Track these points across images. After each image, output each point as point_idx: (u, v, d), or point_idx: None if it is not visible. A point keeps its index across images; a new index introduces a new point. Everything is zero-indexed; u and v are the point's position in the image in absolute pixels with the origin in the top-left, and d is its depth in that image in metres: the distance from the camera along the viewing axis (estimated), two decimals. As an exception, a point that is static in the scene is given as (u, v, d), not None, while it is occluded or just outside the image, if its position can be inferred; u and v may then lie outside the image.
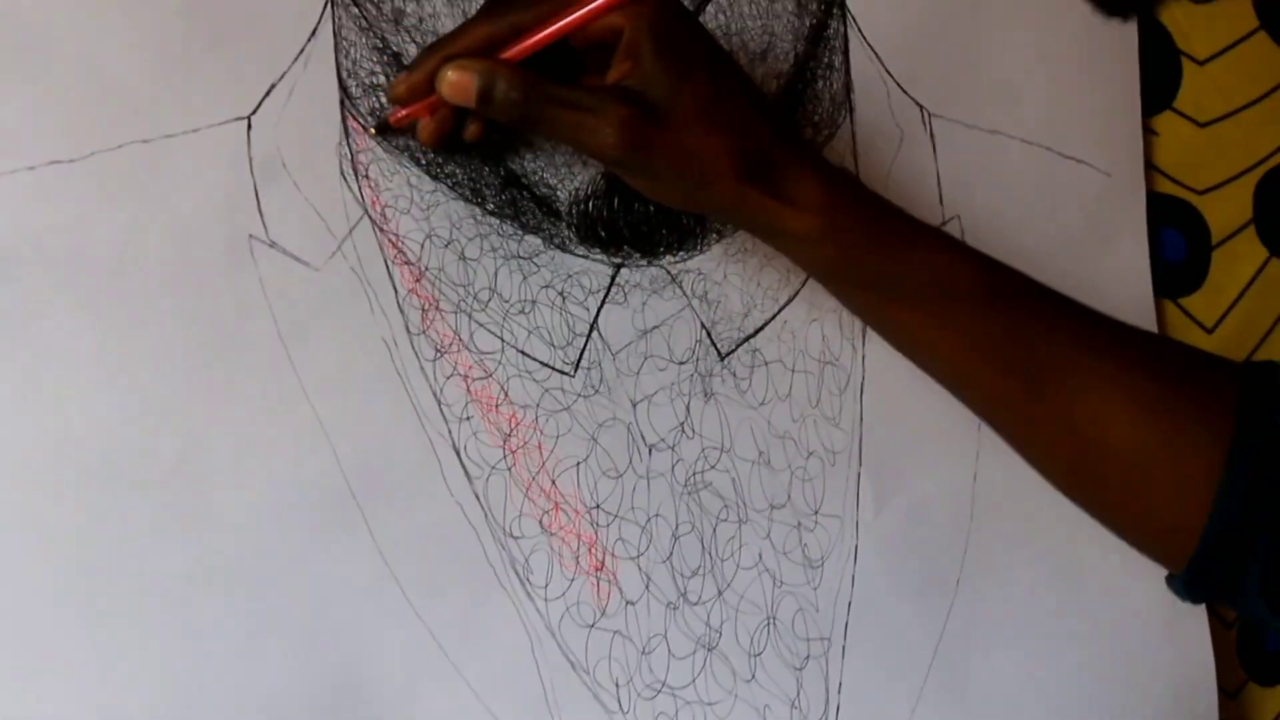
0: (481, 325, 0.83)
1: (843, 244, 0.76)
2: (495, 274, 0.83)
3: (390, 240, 0.81)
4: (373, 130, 0.81)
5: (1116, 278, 0.98)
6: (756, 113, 0.76)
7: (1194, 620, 0.96)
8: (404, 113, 0.79)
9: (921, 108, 0.93)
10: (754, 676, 0.85)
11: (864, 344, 0.91)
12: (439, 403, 0.81)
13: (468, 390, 0.82)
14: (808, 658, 0.86)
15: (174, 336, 0.76)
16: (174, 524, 0.75)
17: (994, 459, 0.91)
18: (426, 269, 0.82)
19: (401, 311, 0.81)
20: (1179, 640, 0.97)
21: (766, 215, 0.76)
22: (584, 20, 0.75)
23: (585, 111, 0.74)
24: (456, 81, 0.76)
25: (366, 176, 0.81)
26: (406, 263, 0.81)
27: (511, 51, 0.76)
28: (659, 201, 0.79)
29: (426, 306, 0.82)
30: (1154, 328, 0.99)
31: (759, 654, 0.85)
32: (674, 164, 0.75)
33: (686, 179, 0.75)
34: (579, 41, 0.77)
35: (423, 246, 0.82)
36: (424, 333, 0.81)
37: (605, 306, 0.85)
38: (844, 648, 0.87)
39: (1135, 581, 0.91)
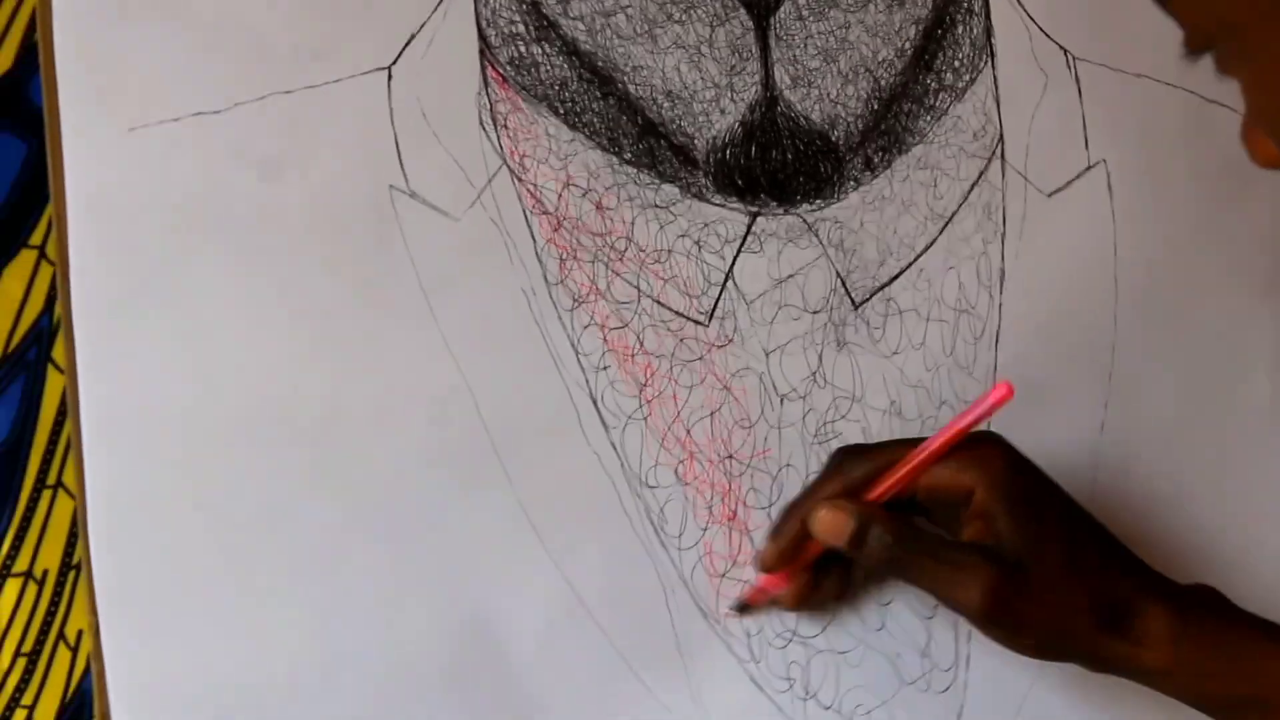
0: (619, 275, 0.83)
1: (1197, 675, 0.77)
2: (632, 223, 0.83)
3: (529, 190, 0.81)
4: (734, 613, 0.83)
5: (1255, 222, 0.96)
6: (1109, 559, 0.78)
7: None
8: (761, 588, 0.81)
9: (1065, 51, 0.91)
10: (884, 625, 0.85)
11: (1001, 292, 0.90)
12: (576, 352, 0.82)
13: (604, 340, 0.82)
14: (937, 607, 0.86)
15: (317, 287, 0.77)
16: (318, 475, 0.77)
17: (1121, 409, 0.90)
18: (564, 218, 0.82)
19: (540, 261, 0.81)
20: None
21: (1119, 658, 0.77)
22: (923, 467, 0.77)
23: (953, 567, 0.75)
24: (831, 522, 0.77)
25: (505, 126, 0.81)
26: (544, 212, 0.82)
27: (870, 497, 0.78)
28: (1013, 650, 0.78)
29: (564, 256, 0.82)
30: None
31: (888, 603, 0.86)
32: (1034, 620, 0.76)
33: (1046, 634, 0.76)
34: (924, 497, 0.78)
35: (560, 196, 0.82)
36: (562, 282, 0.82)
37: (741, 256, 0.85)
38: (974, 598, 0.87)
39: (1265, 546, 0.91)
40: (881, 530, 0.76)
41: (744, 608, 0.82)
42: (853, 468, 0.79)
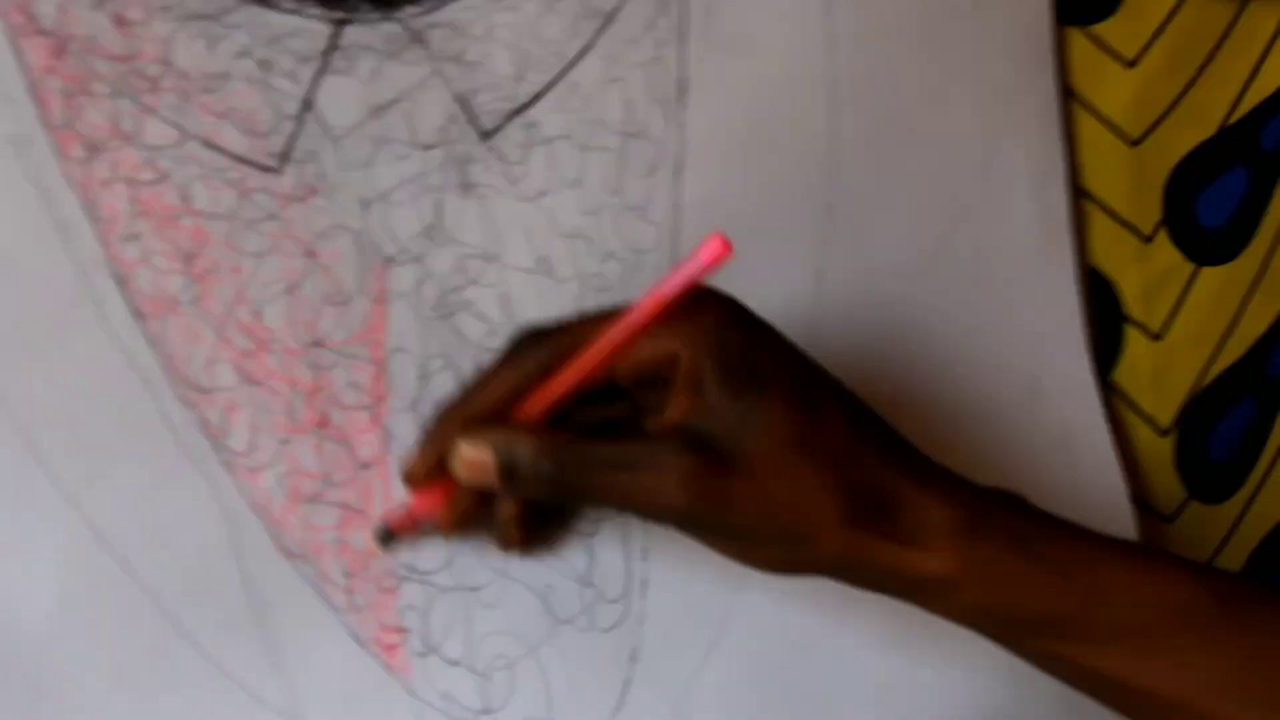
0: (152, 111, 0.65)
1: (991, 583, 0.62)
2: (169, 41, 0.65)
3: (14, 3, 0.62)
4: (378, 547, 0.65)
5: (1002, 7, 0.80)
6: (859, 434, 0.62)
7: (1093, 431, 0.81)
8: (409, 511, 0.64)
9: None
10: (529, 550, 0.69)
11: (684, 108, 0.73)
12: (93, 219, 0.63)
13: (134, 199, 0.64)
14: (601, 520, 0.69)
15: None
16: None
17: (844, 250, 0.76)
18: (70, 39, 0.63)
19: (35, 99, 0.63)
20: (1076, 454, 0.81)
21: (885, 563, 0.61)
22: (617, 348, 0.61)
23: (639, 470, 0.60)
24: (472, 461, 0.61)
25: (-33, -87, 0.61)
26: (39, 32, 0.63)
27: (537, 405, 0.62)
28: (751, 567, 0.63)
29: (72, 90, 0.63)
30: (1050, 59, 0.81)
31: (534, 522, 0.69)
32: (760, 517, 0.60)
33: (779, 534, 0.61)
34: (627, 379, 0.62)
35: (63, 9, 0.63)
36: (70, 125, 0.63)
37: (323, 77, 0.67)
38: (649, 506, 0.71)
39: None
40: (534, 455, 0.60)
41: (387, 536, 0.65)
42: (528, 357, 0.63)
